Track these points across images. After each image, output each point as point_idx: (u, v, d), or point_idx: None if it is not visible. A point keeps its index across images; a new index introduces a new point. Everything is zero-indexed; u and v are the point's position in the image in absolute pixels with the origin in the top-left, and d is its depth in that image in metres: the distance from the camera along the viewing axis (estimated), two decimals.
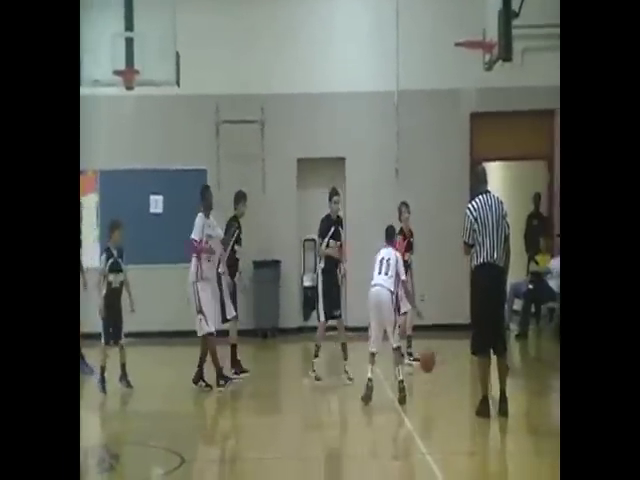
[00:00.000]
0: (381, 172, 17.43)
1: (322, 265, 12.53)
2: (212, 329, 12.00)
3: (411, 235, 13.67)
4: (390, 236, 11.51)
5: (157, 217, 15.86)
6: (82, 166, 16.97)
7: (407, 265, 12.56)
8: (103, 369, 11.91)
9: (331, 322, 12.56)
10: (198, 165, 17.27)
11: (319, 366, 12.54)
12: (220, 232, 12.57)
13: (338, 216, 12.73)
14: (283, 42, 17.51)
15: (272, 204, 17.34)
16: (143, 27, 14.55)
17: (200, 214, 12.30)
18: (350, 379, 12.15)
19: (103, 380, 11.90)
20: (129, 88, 14.66)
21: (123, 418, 11.26)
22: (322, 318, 12.42)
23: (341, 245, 12.64)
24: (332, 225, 12.57)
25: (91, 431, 10.67)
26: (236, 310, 12.87)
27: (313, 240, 17.53)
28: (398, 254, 11.34)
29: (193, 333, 12.19)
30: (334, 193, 12.63)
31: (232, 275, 12.83)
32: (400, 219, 13.47)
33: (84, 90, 14.63)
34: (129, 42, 14.57)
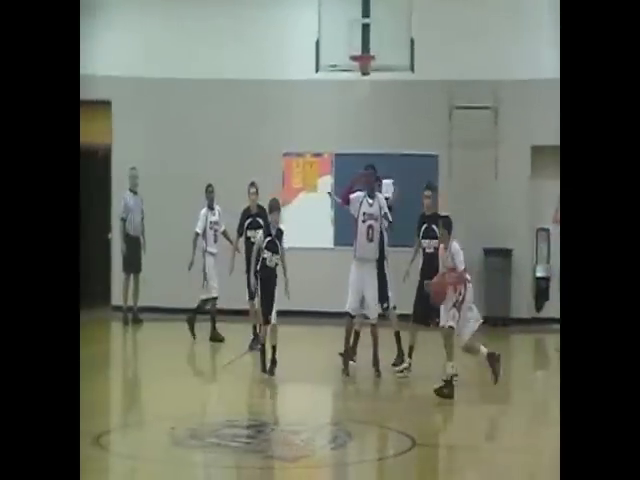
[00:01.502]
0: None
1: None
2: (350, 310, 11.89)
3: None
4: None
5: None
6: (317, 149, 17.60)
7: None
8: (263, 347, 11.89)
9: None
10: (429, 151, 17.21)
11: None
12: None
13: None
14: (514, 27, 17.15)
15: (504, 191, 17.06)
16: (379, 13, 14.62)
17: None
18: None
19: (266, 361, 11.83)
20: (365, 73, 14.79)
21: (357, 398, 11.36)
22: None
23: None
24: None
25: (324, 409, 10.85)
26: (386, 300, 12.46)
27: (547, 230, 17.12)
28: None
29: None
30: (427, 187, 12.26)
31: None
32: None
33: (321, 75, 15.10)
34: (365, 28, 14.67)
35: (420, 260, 12.09)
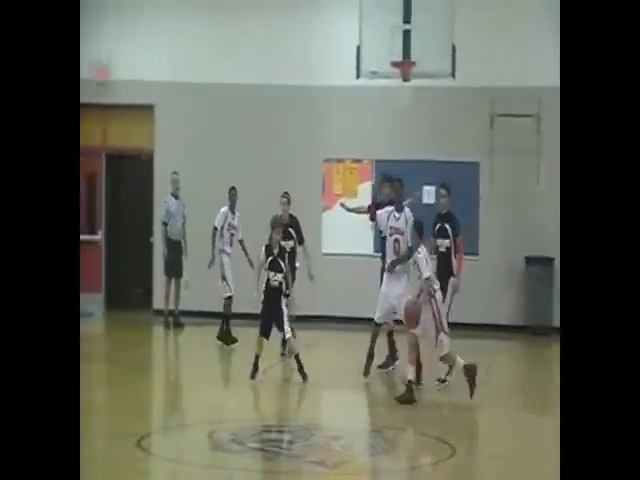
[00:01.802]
0: None
1: None
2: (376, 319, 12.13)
3: None
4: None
5: (429, 207, 15.88)
6: (358, 155, 17.62)
7: None
8: (257, 358, 11.95)
9: None
10: (470, 158, 17.16)
11: None
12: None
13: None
14: (557, 33, 17.04)
15: (546, 199, 16.97)
16: (421, 19, 14.60)
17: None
18: None
19: (255, 369, 11.95)
20: (406, 80, 14.75)
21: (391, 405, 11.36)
22: None
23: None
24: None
25: (362, 415, 10.86)
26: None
27: None
28: None
29: None
30: (442, 186, 12.52)
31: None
32: None
33: (361, 81, 15.13)
34: (407, 34, 14.65)
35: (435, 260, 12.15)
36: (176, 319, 16.44)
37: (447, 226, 12.14)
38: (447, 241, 12.10)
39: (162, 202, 16.62)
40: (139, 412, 10.42)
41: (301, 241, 13.77)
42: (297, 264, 13.60)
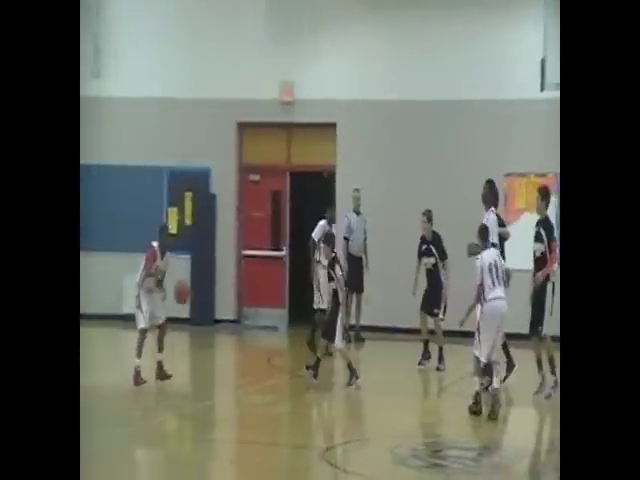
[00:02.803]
0: None
1: None
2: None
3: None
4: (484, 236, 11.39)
5: None
6: (541, 169, 17.28)
7: None
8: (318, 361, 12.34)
9: None
10: None
11: None
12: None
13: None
14: None
15: None
16: None
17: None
18: None
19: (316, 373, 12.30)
20: None
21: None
22: None
23: None
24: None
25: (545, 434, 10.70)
26: None
27: None
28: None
29: None
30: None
31: None
32: None
33: (546, 94, 14.90)
34: None
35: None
36: (357, 334, 16.60)
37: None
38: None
39: (344, 218, 16.85)
40: (323, 425, 10.59)
41: (443, 257, 14.00)
42: (443, 280, 13.95)
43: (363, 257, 16.71)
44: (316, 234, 15.02)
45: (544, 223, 12.14)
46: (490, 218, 12.51)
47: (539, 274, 11.85)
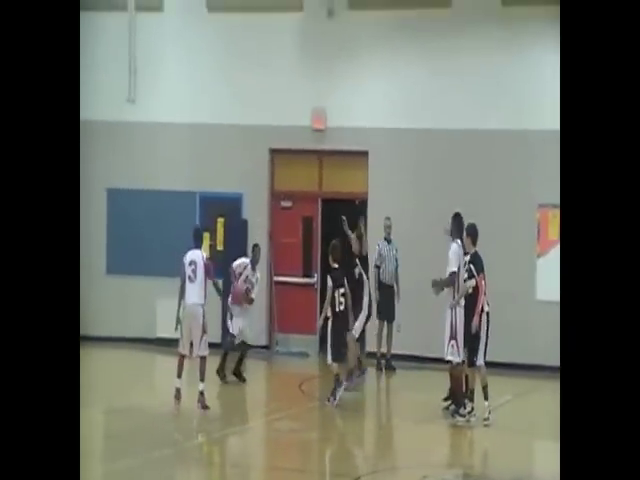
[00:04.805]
0: None
1: None
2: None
3: None
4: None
5: None
6: None
7: None
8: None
9: None
10: None
11: None
12: None
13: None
14: None
15: None
16: None
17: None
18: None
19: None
20: None
21: None
22: None
23: None
24: None
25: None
26: None
27: None
28: None
29: None
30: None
31: None
32: None
33: None
34: None
35: None
36: (388, 362, 16.57)
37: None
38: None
39: (375, 246, 16.87)
40: (352, 453, 10.57)
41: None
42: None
43: (395, 286, 16.70)
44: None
45: (473, 257, 12.40)
46: (452, 247, 12.59)
47: (475, 318, 12.09)
